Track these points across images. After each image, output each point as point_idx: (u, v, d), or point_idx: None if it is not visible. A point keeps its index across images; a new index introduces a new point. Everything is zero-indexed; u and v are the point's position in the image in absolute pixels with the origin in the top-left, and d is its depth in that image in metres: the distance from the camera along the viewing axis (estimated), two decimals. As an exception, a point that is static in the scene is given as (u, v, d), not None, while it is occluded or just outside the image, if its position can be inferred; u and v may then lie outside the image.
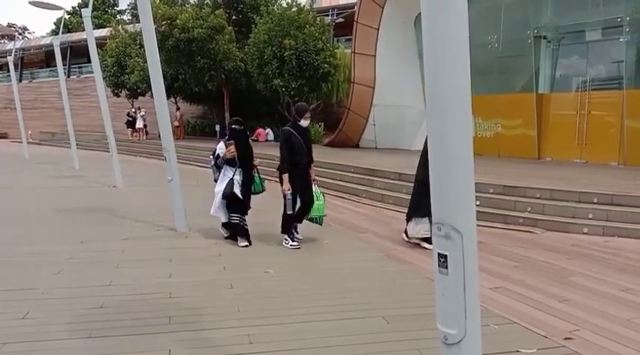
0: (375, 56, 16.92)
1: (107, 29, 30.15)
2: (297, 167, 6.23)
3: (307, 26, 17.73)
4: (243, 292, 4.64)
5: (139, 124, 26.10)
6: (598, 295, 4.65)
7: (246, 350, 3.44)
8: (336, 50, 19.62)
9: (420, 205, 6.27)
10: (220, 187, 6.29)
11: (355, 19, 17.03)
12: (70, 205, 9.28)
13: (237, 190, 6.21)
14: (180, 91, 24.38)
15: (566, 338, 3.65)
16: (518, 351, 3.41)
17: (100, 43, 21.69)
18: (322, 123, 22.07)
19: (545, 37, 13.09)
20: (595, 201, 7.51)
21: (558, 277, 5.09)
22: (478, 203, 8.03)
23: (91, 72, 15.02)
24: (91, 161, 17.96)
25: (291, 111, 6.47)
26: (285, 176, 6.15)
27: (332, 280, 5.07)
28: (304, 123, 6.27)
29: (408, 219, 6.58)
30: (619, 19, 11.63)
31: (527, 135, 13.33)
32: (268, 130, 22.73)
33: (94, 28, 14.58)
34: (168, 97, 25.59)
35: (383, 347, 3.49)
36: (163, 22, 19.63)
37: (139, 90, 25.34)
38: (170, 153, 7.03)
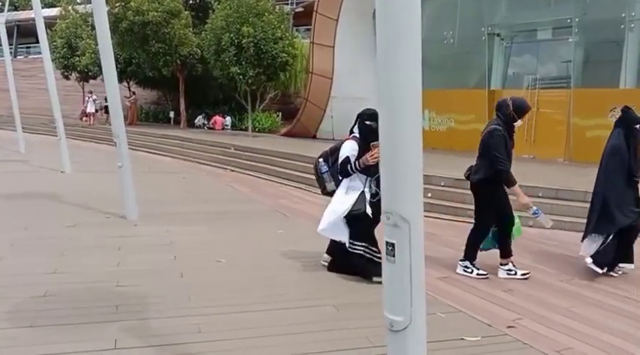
0: (334, 47, 16.93)
1: (57, 9, 28.94)
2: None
3: (266, 14, 17.55)
4: (195, 281, 4.59)
5: (90, 109, 25.27)
6: (540, 285, 4.84)
7: (195, 339, 3.41)
8: (294, 39, 19.52)
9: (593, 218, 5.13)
10: (345, 202, 4.64)
11: (315, 9, 16.98)
12: (15, 190, 8.91)
13: (368, 209, 4.66)
14: (133, 76, 23.73)
15: (509, 327, 3.78)
16: (462, 339, 3.52)
17: (50, 23, 20.81)
18: (280, 113, 21.98)
19: (498, 35, 13.44)
20: (540, 195, 7.79)
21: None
22: (430, 195, 8.21)
23: (40, 53, 14.41)
24: (38, 145, 17.28)
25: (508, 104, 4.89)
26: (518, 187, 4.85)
27: (286, 269, 5.08)
28: (519, 124, 5.00)
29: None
30: (568, 20, 12.06)
31: (479, 130, 13.60)
32: (227, 118, 22.42)
33: (43, 7, 13.97)
34: (120, 81, 24.90)
35: (332, 335, 3.53)
36: (117, 4, 19.01)
37: (89, 73, 24.53)
38: (121, 139, 6.85)
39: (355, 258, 4.68)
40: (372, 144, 4.52)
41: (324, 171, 4.87)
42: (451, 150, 13.48)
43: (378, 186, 4.48)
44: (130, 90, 24.96)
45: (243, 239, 6.21)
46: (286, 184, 11.11)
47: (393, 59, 1.85)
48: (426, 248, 5.16)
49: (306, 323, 3.75)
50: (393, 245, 1.94)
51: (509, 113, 4.86)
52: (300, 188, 10.64)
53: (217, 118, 22.26)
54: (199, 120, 22.95)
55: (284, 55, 17.77)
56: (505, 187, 4.88)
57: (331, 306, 4.10)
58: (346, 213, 4.61)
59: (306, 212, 8.19)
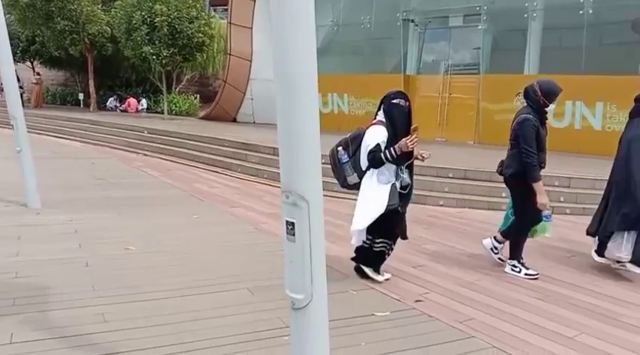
0: (251, 29, 16.63)
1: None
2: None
3: (181, -8, 16.90)
4: (100, 270, 4.38)
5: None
6: (449, 260, 5.07)
7: (100, 329, 3.26)
8: (211, 19, 18.97)
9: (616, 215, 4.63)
10: (381, 197, 4.11)
11: (232, -11, 16.56)
12: None
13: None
14: (37, 55, 22.09)
15: (416, 301, 3.93)
16: (373, 314, 3.62)
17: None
18: (197, 96, 21.38)
19: (413, 21, 13.76)
20: (450, 175, 8.14)
21: (415, 245, 5.46)
22: (347, 177, 8.33)
23: None
24: None
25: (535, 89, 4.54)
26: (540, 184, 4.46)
27: (198, 254, 4.97)
28: (552, 108, 4.58)
29: (604, 236, 4.76)
30: (477, 8, 12.55)
31: (395, 113, 14.05)
32: (143, 100, 21.46)
33: None
34: (23, 61, 23.02)
35: (247, 318, 3.51)
36: (15, -24, 17.52)
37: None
38: (18, 122, 6.35)
39: (373, 254, 4.33)
40: (412, 127, 4.15)
41: (345, 161, 4.28)
42: (369, 133, 13.75)
43: (410, 175, 4.32)
44: (34, 70, 23.26)
45: (155, 225, 6.00)
46: (202, 168, 10.85)
47: (289, 39, 1.81)
48: (344, 228, 5.20)
49: (218, 307, 3.70)
50: (292, 224, 1.93)
51: (539, 98, 4.45)
52: (215, 172, 10.45)
53: (131, 100, 21.27)
54: (111, 102, 21.83)
55: (200, 35, 17.23)
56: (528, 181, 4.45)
57: (246, 290, 4.07)
58: (384, 208, 4.07)
59: (222, 196, 8.05)
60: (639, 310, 3.96)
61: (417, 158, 4.30)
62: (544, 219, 4.60)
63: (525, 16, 11.91)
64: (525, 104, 4.62)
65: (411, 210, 7.27)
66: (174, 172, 10.35)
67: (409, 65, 14.09)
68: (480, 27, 12.67)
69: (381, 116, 4.28)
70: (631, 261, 4.59)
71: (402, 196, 4.23)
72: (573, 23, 11.45)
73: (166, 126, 15.01)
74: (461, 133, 12.97)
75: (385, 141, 4.12)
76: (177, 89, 20.39)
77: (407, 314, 3.69)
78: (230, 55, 16.94)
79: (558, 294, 4.24)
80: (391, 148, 4.09)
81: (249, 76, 16.91)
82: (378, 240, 4.31)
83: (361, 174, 4.25)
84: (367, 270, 4.37)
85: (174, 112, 19.85)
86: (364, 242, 4.35)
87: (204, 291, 4.01)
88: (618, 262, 4.73)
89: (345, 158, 4.28)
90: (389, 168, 4.19)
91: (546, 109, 4.50)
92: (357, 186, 4.30)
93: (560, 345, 3.31)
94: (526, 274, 4.62)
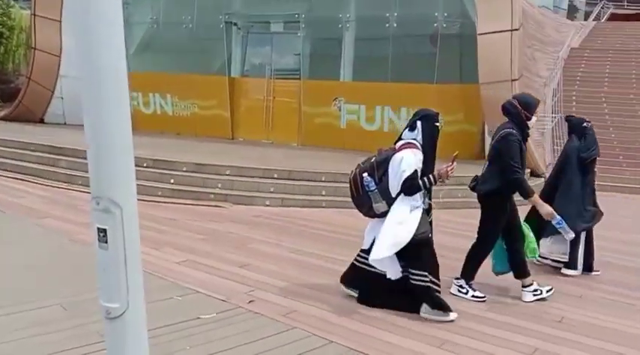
0: (60, 22, 15.21)
1: None
2: (513, 190, 4.39)
3: (-29, -24, 14.79)
4: None
5: None
6: (273, 258, 5.26)
7: None
8: (10, 9, 16.92)
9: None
10: (409, 223, 3.81)
11: (35, -24, 14.96)
12: None
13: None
14: None
15: (249, 302, 4.01)
16: (198, 318, 3.63)
17: None
18: (-4, 94, 18.85)
19: (235, 24, 13.89)
20: (275, 176, 8.43)
21: (240, 245, 5.57)
22: (172, 181, 8.14)
23: None
24: None
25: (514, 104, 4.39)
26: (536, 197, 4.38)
27: (2, 274, 4.44)
28: (534, 122, 4.44)
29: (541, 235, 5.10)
30: (296, 16, 13.15)
31: (221, 116, 14.02)
32: None
33: None
34: None
35: (61, 336, 3.26)
36: None
37: None
38: None
39: (418, 290, 3.86)
40: (455, 154, 3.96)
41: (373, 189, 3.84)
42: (195, 135, 13.54)
43: (430, 198, 4.06)
44: None
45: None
46: (5, 176, 9.64)
47: (93, 28, 1.74)
48: (167, 233, 5.14)
49: (29, 327, 3.37)
50: (104, 231, 1.86)
51: (519, 112, 4.30)
52: (21, 180, 9.36)
53: None
54: None
55: (-3, 26, 15.27)
56: (523, 198, 4.34)
57: (58, 306, 3.77)
58: (414, 236, 3.79)
59: (30, 206, 7.26)
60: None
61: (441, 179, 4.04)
62: (557, 226, 4.40)
63: (340, 26, 12.80)
64: (518, 123, 4.37)
65: (238, 211, 7.45)
66: (-34, 181, 9.02)
67: (234, 67, 14.19)
68: (299, 34, 13.27)
69: (412, 137, 3.95)
70: (566, 265, 5.18)
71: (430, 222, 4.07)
72: (381, 35, 12.65)
73: (-45, 128, 12.99)
74: (285, 136, 13.45)
75: (422, 166, 3.86)
76: (-31, 86, 17.75)
77: (232, 314, 3.77)
78: (35, 49, 15.28)
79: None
80: (430, 176, 3.87)
81: (59, 72, 15.45)
82: (419, 273, 3.87)
83: (390, 202, 3.87)
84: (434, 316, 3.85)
85: (-34, 112, 17.24)
86: (414, 277, 3.89)
87: (11, 311, 3.62)
88: (555, 261, 5.28)
89: (372, 185, 3.85)
90: (417, 195, 3.92)
91: (529, 123, 4.35)
92: (383, 215, 3.92)
93: (373, 328, 3.68)
94: (473, 296, 4.34)
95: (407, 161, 3.80)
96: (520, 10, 10.93)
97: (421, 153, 3.87)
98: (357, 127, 12.66)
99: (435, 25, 11.78)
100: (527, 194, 4.25)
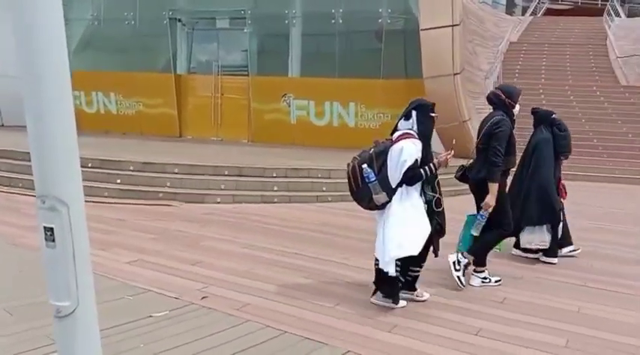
0: (-6, 18, 14.54)
1: None
2: (505, 175, 4.62)
3: None
4: None
5: None
6: (226, 254, 5.27)
7: None
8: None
9: (535, 210, 5.27)
10: (421, 214, 3.91)
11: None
12: None
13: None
14: None
15: (201, 298, 4.02)
16: (150, 316, 3.62)
17: None
18: None
19: (180, 20, 13.67)
20: (226, 173, 8.39)
21: (192, 243, 5.55)
22: (119, 181, 7.97)
23: None
24: None
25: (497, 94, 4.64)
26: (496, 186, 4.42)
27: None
28: (518, 110, 4.66)
29: (519, 230, 5.31)
30: (242, 12, 13.07)
31: (168, 114, 13.78)
32: None
33: None
34: None
35: (9, 341, 3.19)
36: None
37: None
38: None
39: (384, 275, 3.89)
40: (453, 142, 4.14)
41: (373, 180, 3.82)
42: (142, 134, 13.27)
43: (434, 190, 4.03)
44: None
45: None
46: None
47: (37, 40, 1.75)
48: (115, 234, 5.08)
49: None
50: (52, 229, 1.86)
51: (504, 101, 4.56)
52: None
53: None
54: None
55: None
56: (487, 179, 4.44)
57: (3, 311, 3.67)
58: (426, 229, 3.88)
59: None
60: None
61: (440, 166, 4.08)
62: (479, 217, 4.50)
63: (286, 22, 12.82)
64: (492, 109, 4.70)
65: (189, 209, 7.39)
66: None
67: (179, 64, 13.97)
68: (245, 30, 13.21)
69: (408, 126, 3.98)
70: (545, 253, 5.36)
71: (440, 214, 4.07)
72: (327, 31, 12.76)
73: None
74: (235, 133, 13.37)
75: (421, 155, 3.89)
76: None
77: (185, 311, 3.77)
78: (-34, 47, 14.53)
79: (327, 272, 4.78)
80: (430, 164, 3.93)
81: (-6, 72, 14.75)
82: (415, 268, 4.10)
83: (391, 193, 3.87)
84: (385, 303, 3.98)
85: None
86: (412, 271, 4.08)
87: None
88: (536, 251, 5.42)
89: (372, 177, 3.83)
90: (416, 187, 3.95)
91: (514, 111, 4.57)
92: (383, 207, 3.94)
93: (324, 316, 3.78)
94: (496, 281, 4.62)
95: (407, 151, 3.83)
96: (461, 6, 11.29)
97: (420, 142, 3.91)
98: (306, 123, 12.74)
99: (380, 21, 11.99)
100: (494, 179, 4.38)
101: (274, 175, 8.48)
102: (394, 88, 12.05)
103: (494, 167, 4.37)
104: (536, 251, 5.45)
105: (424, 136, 3.96)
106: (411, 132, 3.94)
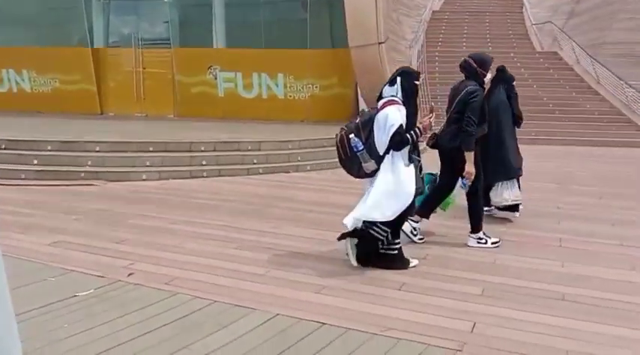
0: None
1: None
2: (477, 142, 4.65)
3: None
4: None
5: None
6: (153, 231, 5.16)
7: None
8: None
9: (503, 165, 5.48)
10: (408, 178, 3.99)
11: None
12: None
13: None
14: None
15: (129, 275, 3.93)
16: (75, 295, 3.52)
17: None
18: None
19: (94, -8, 12.98)
20: (151, 149, 8.16)
21: (117, 222, 5.39)
22: (35, 162, 7.58)
23: None
24: None
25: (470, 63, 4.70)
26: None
27: None
28: (489, 79, 4.94)
29: (488, 188, 5.46)
30: (162, -19, 12.59)
31: (87, 90, 13.13)
32: None
33: None
34: None
35: None
36: None
37: None
38: None
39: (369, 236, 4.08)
40: (431, 106, 4.42)
41: (361, 148, 3.91)
42: (60, 112, 12.57)
43: (419, 154, 4.20)
44: None
45: None
46: None
47: None
48: (34, 216, 4.85)
49: None
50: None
51: (475, 69, 4.65)
52: None
53: None
54: None
55: None
56: (463, 147, 4.55)
57: None
58: (416, 190, 4.04)
59: None
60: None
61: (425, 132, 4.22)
62: (462, 185, 4.71)
63: (209, -9, 12.46)
64: (464, 77, 4.78)
65: (114, 188, 7.16)
66: None
67: (96, 38, 13.32)
68: (166, 0, 12.73)
69: (392, 93, 4.06)
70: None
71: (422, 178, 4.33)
72: (251, 0, 12.52)
73: None
74: (160, 107, 12.98)
75: (405, 121, 3.97)
76: None
77: (111, 288, 3.69)
78: None
79: (257, 241, 4.81)
80: (416, 128, 4.02)
81: None
82: (397, 241, 4.20)
83: (379, 160, 3.97)
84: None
85: None
86: (375, 231, 4.03)
87: None
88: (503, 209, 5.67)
89: (360, 146, 3.91)
90: (404, 152, 4.03)
91: (485, 80, 4.73)
92: (373, 174, 4.02)
93: (254, 283, 3.82)
94: (493, 243, 4.72)
95: (392, 116, 3.92)
96: (384, -25, 11.37)
97: (404, 108, 4.01)
98: (234, 95, 12.56)
99: (305, -11, 11.90)
100: (469, 147, 4.52)
101: (202, 149, 8.35)
102: (322, 58, 12.07)
103: (470, 136, 4.51)
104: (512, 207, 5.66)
105: (408, 103, 4.06)
106: (396, 98, 4.03)
